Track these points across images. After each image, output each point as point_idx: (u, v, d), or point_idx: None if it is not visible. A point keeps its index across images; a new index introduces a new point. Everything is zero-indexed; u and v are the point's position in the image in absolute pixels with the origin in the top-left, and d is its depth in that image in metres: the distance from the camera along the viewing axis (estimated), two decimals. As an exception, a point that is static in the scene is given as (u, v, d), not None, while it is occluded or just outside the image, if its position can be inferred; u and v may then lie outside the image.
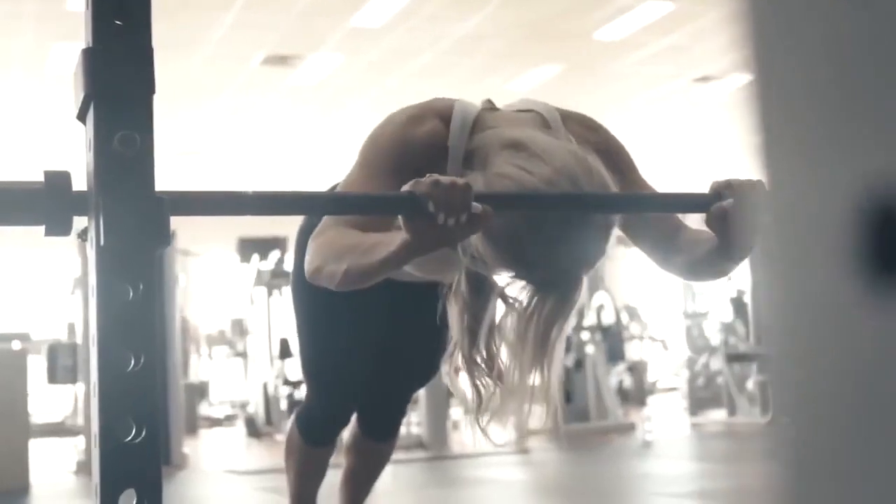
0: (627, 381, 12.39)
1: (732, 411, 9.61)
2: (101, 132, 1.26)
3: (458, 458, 7.23)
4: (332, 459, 2.93)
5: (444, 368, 1.89)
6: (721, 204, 1.69)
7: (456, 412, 10.52)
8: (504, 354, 1.82)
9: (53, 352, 8.42)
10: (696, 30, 10.46)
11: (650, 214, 1.93)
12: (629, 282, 16.65)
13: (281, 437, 9.38)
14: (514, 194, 1.60)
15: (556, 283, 1.72)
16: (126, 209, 1.25)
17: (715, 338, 10.24)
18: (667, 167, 15.11)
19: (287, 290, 10.64)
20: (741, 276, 10.84)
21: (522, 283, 1.76)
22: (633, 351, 13.22)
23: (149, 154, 1.27)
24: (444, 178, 1.50)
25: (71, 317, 10.44)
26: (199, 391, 11.86)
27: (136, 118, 1.27)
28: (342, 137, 14.04)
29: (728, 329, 10.30)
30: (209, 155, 14.04)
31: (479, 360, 1.82)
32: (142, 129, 1.27)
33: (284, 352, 10.22)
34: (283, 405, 9.69)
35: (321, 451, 2.82)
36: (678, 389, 13.04)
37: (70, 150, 13.56)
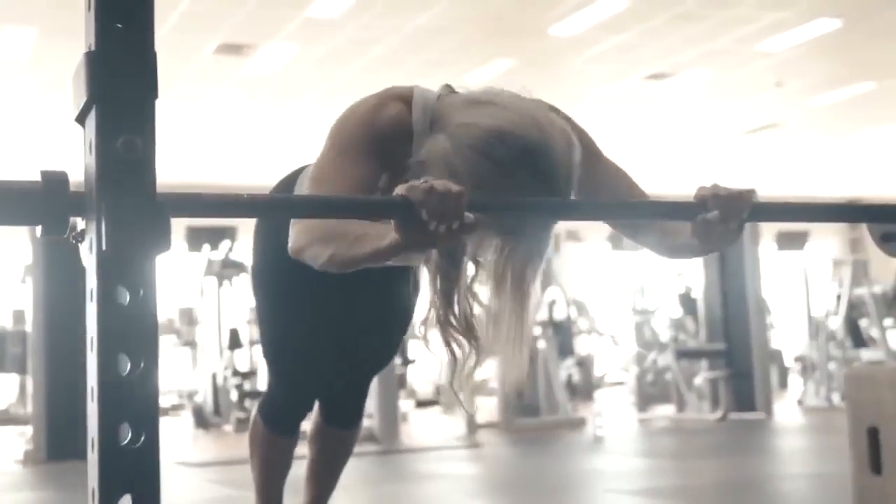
0: (576, 376, 12.47)
1: (681, 407, 9.71)
2: (103, 136, 1.25)
3: (409, 451, 7.24)
4: (297, 451, 2.93)
5: (420, 332, 1.93)
6: (706, 216, 1.71)
7: (406, 405, 10.55)
8: (477, 313, 1.90)
9: (2, 340, 8.33)
10: (648, 28, 10.54)
11: (621, 189, 2.00)
12: (578, 277, 16.75)
13: (229, 428, 9.34)
14: (507, 201, 1.62)
15: (526, 230, 1.79)
16: (129, 214, 1.25)
17: (664, 334, 10.34)
18: (620, 163, 15.18)
19: (237, 280, 10.60)
20: (690, 273, 10.95)
21: (492, 239, 1.83)
22: (581, 346, 13.32)
23: (151, 158, 1.27)
24: (439, 185, 1.51)
25: (20, 304, 10.33)
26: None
27: (139, 122, 1.27)
28: (295, 128, 13.99)
29: (677, 325, 10.40)
30: (159, 143, 13.86)
31: (452, 321, 1.88)
32: (144, 134, 1.27)
33: (234, 342, 10.18)
34: (234, 396, 9.65)
35: (285, 439, 2.84)
36: (625, 384, 13.16)
37: (16, 133, 13.35)
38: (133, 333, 1.26)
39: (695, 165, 16.98)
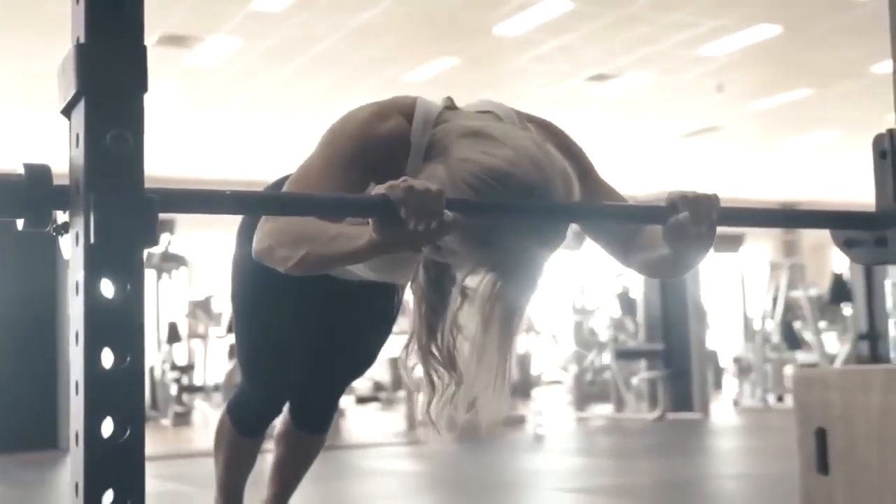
0: (515, 374, 12.51)
1: (619, 406, 9.80)
2: (92, 129, 1.25)
3: (351, 447, 7.24)
4: (262, 445, 2.92)
5: (400, 359, 1.89)
6: (677, 217, 1.72)
7: (345, 401, 10.52)
8: (460, 346, 1.84)
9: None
10: (592, 30, 10.62)
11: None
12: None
13: (166, 422, 9.27)
14: (483, 202, 1.62)
15: (519, 268, 1.76)
16: (117, 208, 1.24)
17: (604, 333, 10.41)
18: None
19: (176, 274, 10.50)
20: (630, 274, 11.03)
21: (482, 273, 1.79)
22: (519, 344, 13.35)
23: (139, 153, 1.27)
24: (418, 184, 1.51)
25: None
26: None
27: (129, 116, 1.26)
28: (237, 121, 13.91)
29: (617, 325, 10.48)
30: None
31: (435, 351, 1.84)
32: (133, 128, 1.26)
33: (173, 336, 10.11)
34: (172, 390, 9.58)
35: (252, 441, 2.82)
36: (562, 382, 13.23)
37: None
38: (119, 327, 1.26)
39: (635, 167, 17.12)
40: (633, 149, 16.25)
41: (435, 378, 1.85)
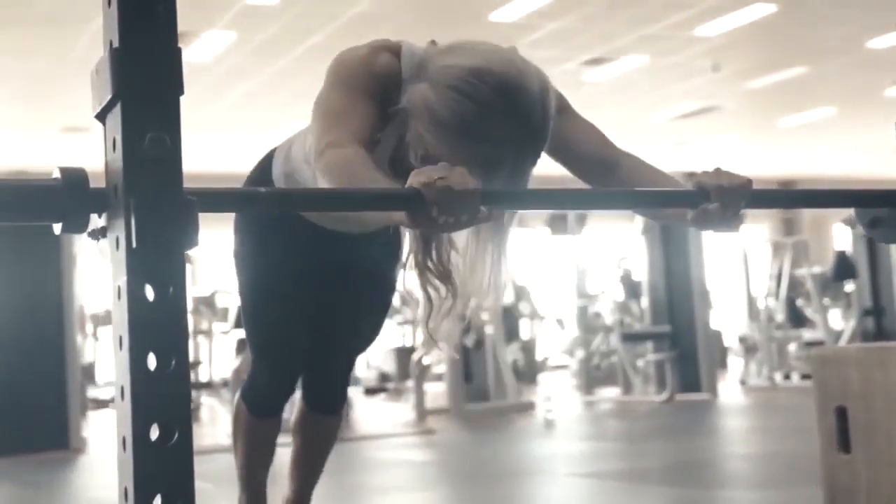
0: (520, 360, 12.53)
1: (627, 389, 9.81)
2: (130, 133, 1.25)
3: (362, 439, 7.24)
4: (280, 440, 2.92)
5: (399, 276, 2.02)
6: (706, 207, 1.72)
7: (352, 393, 10.54)
8: (455, 259, 1.97)
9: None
10: (587, 13, 10.60)
11: (593, 140, 2.09)
12: (520, 261, 16.78)
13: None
14: (519, 192, 1.63)
15: (505, 164, 1.79)
16: (158, 211, 1.24)
17: (609, 317, 10.42)
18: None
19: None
20: (633, 257, 11.04)
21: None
22: (523, 330, 13.37)
23: (177, 155, 1.27)
24: (456, 184, 1.50)
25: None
26: (87, 372, 11.64)
27: (166, 119, 1.26)
28: (232, 116, 13.88)
29: (622, 309, 10.48)
30: (97, 132, 13.67)
31: (430, 266, 1.94)
32: (171, 130, 1.26)
33: (178, 333, 10.08)
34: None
35: (267, 422, 2.84)
36: (567, 367, 13.25)
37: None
38: (163, 330, 1.26)
39: (633, 149, 17.04)
40: (631, 131, 16.21)
41: (432, 292, 1.95)
